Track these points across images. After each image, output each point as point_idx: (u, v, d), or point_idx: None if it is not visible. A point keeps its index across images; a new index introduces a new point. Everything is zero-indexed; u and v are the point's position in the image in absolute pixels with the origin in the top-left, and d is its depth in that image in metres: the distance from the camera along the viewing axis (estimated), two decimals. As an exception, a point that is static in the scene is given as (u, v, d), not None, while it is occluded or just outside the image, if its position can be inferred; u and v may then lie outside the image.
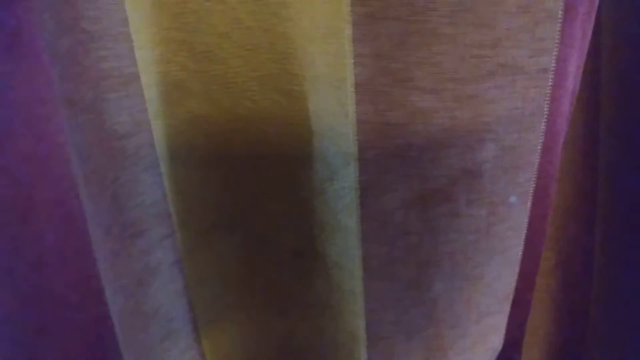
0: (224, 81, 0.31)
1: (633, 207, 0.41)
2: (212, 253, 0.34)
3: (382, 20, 0.27)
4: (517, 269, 0.37)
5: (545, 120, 0.31)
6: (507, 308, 0.38)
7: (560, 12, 0.29)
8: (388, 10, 0.27)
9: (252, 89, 0.31)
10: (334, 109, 0.30)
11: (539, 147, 0.33)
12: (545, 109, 0.31)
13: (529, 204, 0.34)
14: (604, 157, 0.39)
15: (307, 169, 0.31)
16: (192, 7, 0.29)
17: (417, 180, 0.31)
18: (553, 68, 0.30)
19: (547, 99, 0.31)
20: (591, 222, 0.41)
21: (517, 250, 0.36)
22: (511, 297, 0.38)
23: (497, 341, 0.39)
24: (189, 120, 0.31)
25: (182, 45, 0.30)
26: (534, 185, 0.34)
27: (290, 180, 0.32)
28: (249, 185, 0.32)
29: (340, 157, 0.30)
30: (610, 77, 0.36)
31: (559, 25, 0.29)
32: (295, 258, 0.34)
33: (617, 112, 0.38)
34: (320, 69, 0.29)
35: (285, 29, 0.29)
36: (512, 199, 0.33)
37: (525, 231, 0.35)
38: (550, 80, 0.30)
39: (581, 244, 0.42)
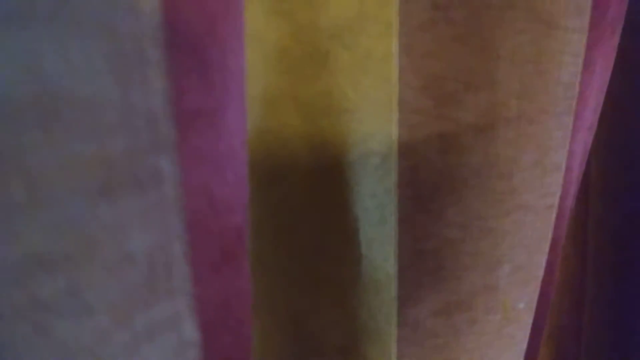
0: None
1: (618, 282, 0.49)
2: (270, 350, 0.40)
3: (422, 171, 0.34)
4: (522, 358, 0.43)
5: (549, 244, 0.38)
6: (512, 391, 0.44)
7: (564, 164, 0.36)
8: (428, 164, 0.34)
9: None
10: (379, 238, 0.36)
11: (544, 263, 0.39)
12: (549, 235, 0.38)
13: (534, 307, 0.41)
14: (592, 245, 0.47)
15: (357, 285, 0.37)
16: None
17: (445, 294, 0.37)
18: (557, 204, 0.37)
19: (551, 228, 0.37)
20: (581, 299, 0.48)
21: (523, 345, 0.42)
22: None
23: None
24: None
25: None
26: (539, 292, 0.40)
27: (343, 294, 0.38)
28: (309, 296, 0.38)
29: (384, 277, 0.36)
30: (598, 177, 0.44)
31: (562, 174, 0.36)
32: (339, 354, 0.39)
33: (601, 210, 0.45)
34: (370, 211, 0.35)
35: (337, 178, 0.36)
36: (521, 305, 0.40)
37: (530, 329, 0.42)
38: (554, 214, 0.37)
39: (571, 320, 0.48)
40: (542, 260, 0.39)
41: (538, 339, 0.44)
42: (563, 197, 0.38)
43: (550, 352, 0.49)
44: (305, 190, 0.36)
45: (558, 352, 0.49)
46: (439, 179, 0.34)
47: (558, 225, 0.39)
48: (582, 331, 0.49)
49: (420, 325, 0.38)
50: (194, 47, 0.18)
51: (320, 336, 0.39)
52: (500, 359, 0.41)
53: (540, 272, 0.39)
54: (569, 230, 0.46)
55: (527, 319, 0.41)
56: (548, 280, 0.41)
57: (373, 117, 0.33)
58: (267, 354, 0.40)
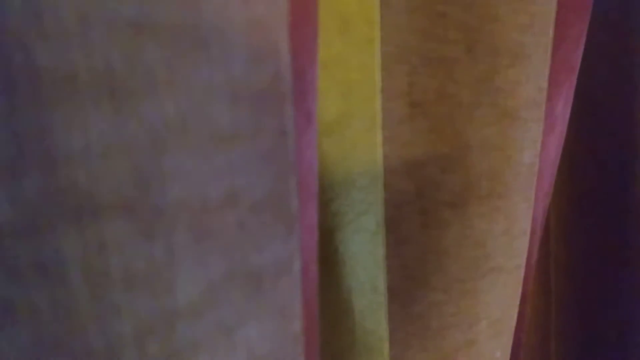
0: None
1: (575, 337, 0.55)
2: None
3: (408, 244, 0.38)
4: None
5: (519, 297, 0.43)
6: None
7: (529, 230, 0.40)
8: (412, 237, 0.38)
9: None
10: (371, 306, 0.40)
11: (515, 317, 0.44)
12: (520, 290, 0.43)
13: (509, 354, 0.45)
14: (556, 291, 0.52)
15: (351, 349, 0.41)
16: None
17: (432, 352, 0.41)
18: (524, 264, 0.42)
19: (521, 284, 0.42)
20: (548, 337, 0.53)
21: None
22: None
23: None
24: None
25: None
26: (512, 340, 0.45)
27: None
28: None
29: (376, 340, 0.40)
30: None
31: (528, 237, 0.41)
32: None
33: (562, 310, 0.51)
34: (361, 276, 0.39)
35: (331, 257, 0.39)
36: (498, 354, 0.44)
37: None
38: (522, 272, 0.42)
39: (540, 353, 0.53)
40: (514, 312, 0.43)
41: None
42: (529, 256, 0.43)
43: None
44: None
45: None
46: (422, 250, 0.38)
47: (526, 280, 0.44)
48: None
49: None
50: None
51: None
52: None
53: (513, 323, 0.44)
54: (534, 274, 0.51)
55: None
56: (519, 327, 0.46)
57: (362, 199, 0.37)
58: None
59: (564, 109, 0.38)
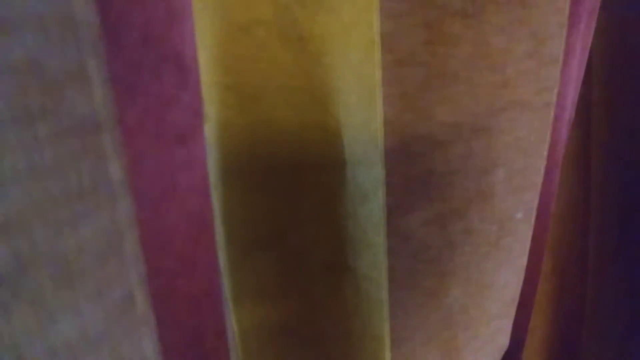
0: (267, 117, 0.35)
1: (622, 214, 0.47)
2: (252, 268, 0.38)
3: (409, 66, 0.32)
4: (522, 277, 0.41)
5: (547, 146, 0.36)
6: (512, 311, 0.43)
7: (561, 56, 0.33)
8: (414, 57, 0.31)
9: (292, 122, 0.35)
10: (365, 140, 0.34)
11: (542, 170, 0.37)
12: (548, 137, 0.36)
13: (533, 219, 0.39)
14: (596, 170, 0.44)
15: (342, 194, 0.35)
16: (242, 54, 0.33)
17: (437, 202, 0.35)
18: (554, 102, 0.34)
19: (549, 128, 0.35)
20: (585, 229, 0.46)
21: (522, 260, 0.40)
22: (516, 301, 0.43)
23: (504, 341, 0.44)
24: (236, 151, 0.35)
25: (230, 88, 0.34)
26: (537, 202, 0.38)
27: (327, 204, 0.36)
28: (289, 209, 0.36)
29: (371, 183, 0.34)
30: (601, 102, 0.41)
31: (560, 66, 0.33)
32: (328, 271, 0.38)
33: (606, 131, 0.43)
34: (353, 107, 0.33)
35: (324, 73, 0.33)
36: (519, 215, 0.38)
37: (529, 242, 0.40)
38: (552, 112, 0.35)
39: (576, 250, 0.46)
40: (540, 165, 0.37)
41: (539, 258, 0.42)
42: (564, 96, 0.35)
43: (554, 288, 0.47)
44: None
45: (561, 285, 0.47)
46: (425, 73, 0.32)
47: (557, 128, 0.37)
48: (589, 264, 0.47)
49: (411, 235, 0.36)
50: None
51: (304, 252, 0.37)
52: (498, 273, 0.39)
53: (539, 179, 0.37)
54: (569, 157, 0.44)
55: (526, 231, 0.39)
56: (547, 190, 0.39)
57: (355, 14, 0.31)
58: (248, 275, 0.39)
59: None
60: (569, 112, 0.37)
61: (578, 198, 0.47)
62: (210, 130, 0.35)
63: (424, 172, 0.34)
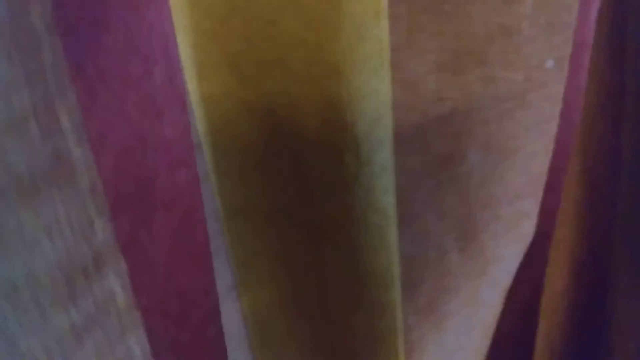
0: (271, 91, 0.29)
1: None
2: (257, 233, 0.33)
3: None
4: (551, 147, 0.35)
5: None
6: (539, 191, 0.37)
7: None
8: None
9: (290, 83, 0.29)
10: (371, 90, 0.28)
11: (575, 8, 0.31)
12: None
13: (565, 72, 0.33)
14: (631, 55, 0.37)
15: (345, 155, 0.30)
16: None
17: (451, 39, 0.30)
18: None
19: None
20: (618, 120, 0.39)
21: (552, 124, 0.34)
22: (544, 179, 0.37)
23: (529, 228, 0.38)
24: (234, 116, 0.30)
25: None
26: (570, 50, 0.32)
27: (330, 167, 0.31)
28: (292, 176, 0.31)
29: (374, 141, 0.29)
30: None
31: None
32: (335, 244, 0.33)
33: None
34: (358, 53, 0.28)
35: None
36: (549, 63, 0.32)
37: (561, 104, 0.34)
38: None
39: (608, 145, 0.40)
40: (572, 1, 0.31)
41: (573, 127, 0.36)
42: None
43: (583, 193, 0.40)
44: None
45: (591, 191, 0.40)
46: None
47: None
48: (622, 158, 0.40)
49: (420, 84, 0.30)
50: None
51: (309, 223, 0.32)
52: (524, 137, 0.34)
53: (571, 17, 0.31)
54: (601, 41, 0.37)
55: (557, 87, 0.33)
56: (581, 40, 0.33)
57: None
58: (255, 256, 0.33)
59: None
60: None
61: (611, 86, 0.40)
62: (208, 106, 0.30)
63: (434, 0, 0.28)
